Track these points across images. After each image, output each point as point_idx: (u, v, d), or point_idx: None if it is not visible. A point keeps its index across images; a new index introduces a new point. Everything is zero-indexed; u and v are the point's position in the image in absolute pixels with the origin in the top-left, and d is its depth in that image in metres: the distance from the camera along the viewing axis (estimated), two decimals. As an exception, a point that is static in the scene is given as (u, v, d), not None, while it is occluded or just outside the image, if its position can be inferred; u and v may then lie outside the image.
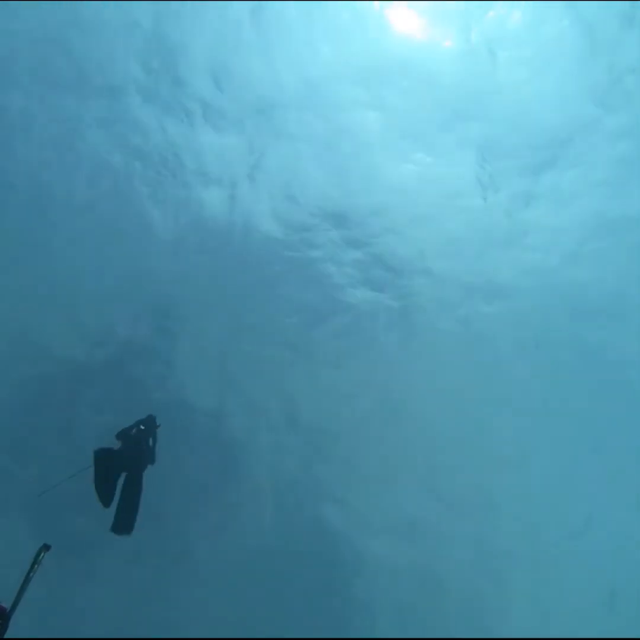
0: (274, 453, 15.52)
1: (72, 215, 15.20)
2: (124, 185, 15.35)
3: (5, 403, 14.36)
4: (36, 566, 4.85)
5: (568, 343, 15.50)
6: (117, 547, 13.83)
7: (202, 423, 15.25)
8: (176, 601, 14.51)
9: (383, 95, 14.83)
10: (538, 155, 14.68)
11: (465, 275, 15.61)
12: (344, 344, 15.82)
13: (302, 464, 15.49)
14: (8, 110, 14.68)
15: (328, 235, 15.62)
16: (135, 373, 15.13)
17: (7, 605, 4.43)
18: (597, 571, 15.24)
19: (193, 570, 14.73)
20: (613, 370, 15.35)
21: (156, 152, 15.26)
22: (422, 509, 15.43)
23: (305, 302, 15.81)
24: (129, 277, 15.41)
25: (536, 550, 15.49)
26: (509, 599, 15.33)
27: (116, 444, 8.72)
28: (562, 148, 14.48)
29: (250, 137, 15.22)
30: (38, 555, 4.86)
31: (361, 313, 15.85)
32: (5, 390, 14.40)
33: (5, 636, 4.32)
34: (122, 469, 8.51)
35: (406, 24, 13.97)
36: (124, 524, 8.50)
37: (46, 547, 4.92)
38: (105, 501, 8.41)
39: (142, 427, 8.92)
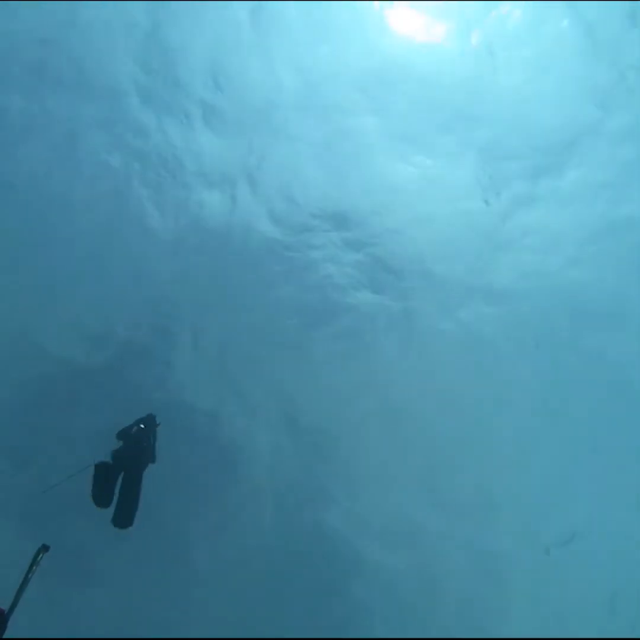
0: (273, 454, 15.48)
1: (71, 216, 15.18)
2: (123, 186, 15.34)
3: (2, 404, 14.34)
4: (35, 567, 4.84)
5: (568, 345, 15.48)
6: (115, 548, 13.89)
7: (201, 424, 15.21)
8: (175, 602, 14.48)
9: (383, 96, 14.83)
10: (539, 158, 14.67)
11: (465, 277, 15.59)
12: (343, 345, 15.80)
13: (302, 465, 15.45)
14: (7, 111, 14.67)
15: (328, 237, 15.62)
16: (134, 374, 15.10)
17: (5, 606, 4.43)
18: (598, 573, 15.21)
19: (192, 571, 14.70)
20: (613, 373, 15.33)
21: (155, 153, 15.26)
22: (422, 510, 15.39)
23: (305, 303, 15.78)
24: (128, 277, 15.40)
25: (536, 552, 15.46)
26: (508, 601, 15.30)
27: (116, 444, 8.71)
28: (564, 150, 14.47)
29: (249, 138, 15.22)
30: (36, 556, 4.86)
31: (361, 314, 15.83)
32: (2, 391, 14.37)
33: (4, 636, 4.31)
34: (122, 468, 8.50)
35: (406, 25, 13.99)
36: (124, 518, 8.49)
37: (45, 548, 4.91)
38: (105, 503, 8.42)
39: (142, 426, 8.92)
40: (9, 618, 4.43)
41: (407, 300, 15.74)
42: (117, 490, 8.51)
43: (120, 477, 8.57)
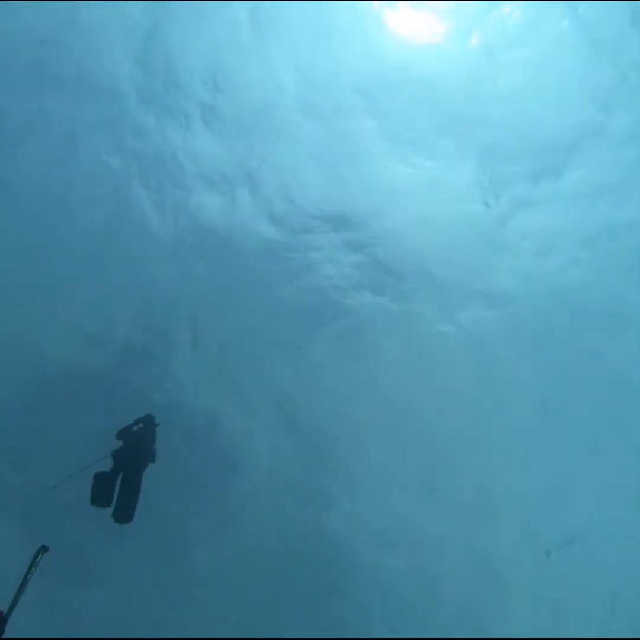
0: (272, 455, 15.46)
1: (70, 217, 15.17)
2: (122, 188, 15.34)
3: (2, 405, 14.32)
4: (34, 568, 4.84)
5: (569, 348, 15.46)
6: (115, 549, 13.90)
7: (201, 425, 15.21)
8: (174, 602, 14.46)
9: (383, 98, 14.83)
10: (539, 160, 14.66)
11: (465, 279, 15.58)
12: (343, 346, 15.78)
13: (301, 466, 15.44)
14: (6, 112, 14.67)
15: (328, 238, 15.61)
16: (133, 375, 15.09)
17: (4, 608, 4.42)
18: (599, 574, 15.19)
19: (191, 572, 14.68)
20: (613, 375, 15.31)
21: (155, 154, 15.26)
22: (422, 512, 15.37)
23: (304, 305, 15.77)
24: (127, 278, 15.38)
25: (536, 553, 15.44)
26: (508, 603, 15.28)
27: (116, 444, 8.73)
28: (564, 152, 14.46)
29: (249, 140, 15.22)
30: (36, 557, 4.85)
31: (361, 316, 15.81)
32: (1, 391, 14.36)
33: (4, 637, 4.31)
34: (122, 468, 8.52)
35: (406, 27, 13.99)
36: (124, 513, 8.51)
37: (44, 549, 4.90)
38: (104, 504, 8.43)
39: (142, 426, 8.95)
40: (8, 619, 4.42)
41: (406, 302, 15.73)
42: (116, 489, 8.53)
43: (120, 477, 8.59)
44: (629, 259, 14.92)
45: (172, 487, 13.61)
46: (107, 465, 8.53)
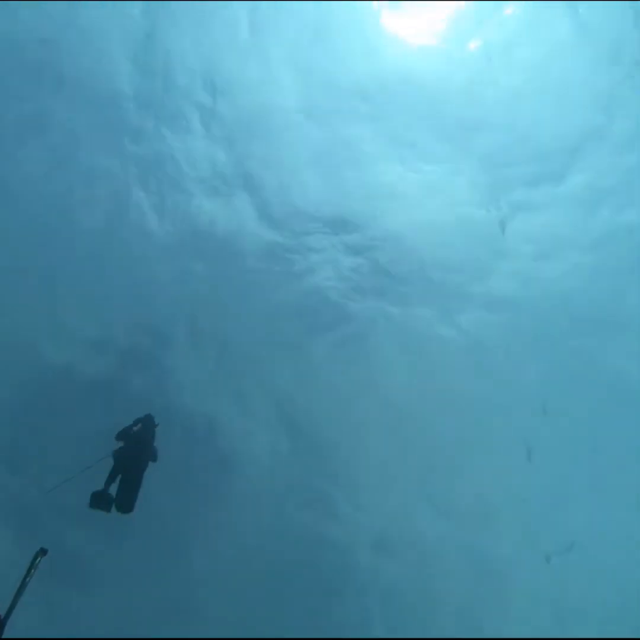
0: (271, 458, 15.45)
1: (69, 220, 15.14)
2: (121, 190, 15.32)
3: (1, 408, 14.28)
4: (33, 571, 4.79)
5: (569, 352, 15.47)
6: (113, 551, 13.86)
7: (200, 427, 15.18)
8: (172, 605, 14.42)
9: (382, 102, 14.82)
10: (541, 164, 14.67)
11: (465, 283, 15.59)
12: (343, 349, 15.78)
13: (300, 469, 15.42)
14: (5, 114, 14.65)
15: (328, 241, 15.60)
16: (132, 377, 15.07)
17: (2, 610, 4.38)
18: (598, 576, 15.20)
19: (189, 575, 14.66)
20: (614, 380, 15.30)
21: (154, 157, 15.25)
22: (422, 516, 15.37)
23: (304, 307, 15.77)
24: (127, 282, 15.36)
25: (535, 557, 15.43)
26: (508, 606, 15.26)
27: (116, 445, 8.72)
28: (566, 156, 14.46)
29: (248, 142, 15.21)
30: (35, 559, 4.80)
31: (361, 319, 15.81)
32: (1, 394, 14.32)
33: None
34: (122, 468, 8.50)
35: (406, 30, 13.96)
36: (125, 503, 8.51)
37: (43, 552, 4.84)
38: (104, 508, 8.42)
39: (141, 426, 8.94)
40: (6, 622, 4.38)
41: (406, 305, 15.72)
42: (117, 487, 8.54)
43: (120, 477, 8.58)
44: (630, 263, 14.92)
45: (171, 488, 13.59)
46: (107, 465, 8.51)
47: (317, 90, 14.72)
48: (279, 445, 15.44)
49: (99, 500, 8.30)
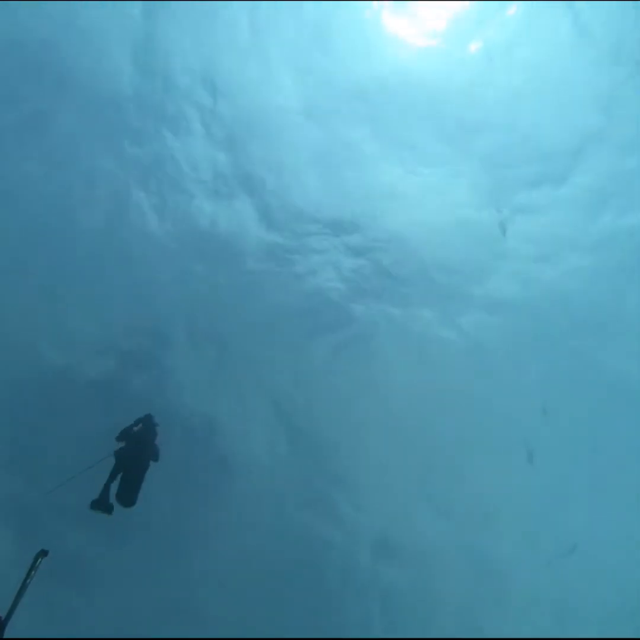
0: (271, 460, 15.44)
1: (69, 222, 15.13)
2: (121, 192, 15.31)
3: (1, 410, 14.27)
4: (33, 572, 4.80)
5: (570, 354, 15.47)
6: (113, 551, 13.85)
7: (199, 429, 15.17)
8: (170, 607, 14.40)
9: (383, 103, 14.83)
10: (541, 166, 14.68)
11: (466, 284, 15.60)
12: (343, 350, 15.77)
13: (300, 471, 15.41)
14: (4, 118, 14.67)
15: (329, 243, 15.59)
16: (132, 379, 15.06)
17: (3, 611, 4.39)
18: (597, 580, 15.19)
19: (189, 576, 14.64)
20: (615, 382, 15.30)
21: (154, 158, 15.25)
22: (422, 518, 15.36)
23: (304, 309, 15.76)
24: (127, 283, 15.35)
25: (536, 560, 15.42)
26: (508, 609, 15.25)
27: (117, 445, 8.73)
28: (567, 158, 14.47)
29: (249, 144, 15.23)
30: (35, 560, 4.81)
31: (361, 320, 15.80)
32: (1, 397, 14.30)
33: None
34: (123, 467, 8.52)
35: (406, 33, 13.97)
36: (127, 497, 8.53)
37: (44, 553, 4.85)
38: (104, 510, 8.44)
39: (142, 426, 8.96)
40: (7, 623, 4.39)
41: (407, 306, 15.72)
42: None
43: (120, 476, 8.61)
44: (631, 265, 14.92)
45: (171, 489, 13.57)
46: (108, 467, 8.52)
47: (318, 91, 14.73)
48: (278, 446, 15.42)
49: (100, 503, 8.31)
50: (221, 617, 14.33)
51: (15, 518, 13.66)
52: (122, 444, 8.74)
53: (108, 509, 8.41)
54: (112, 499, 8.43)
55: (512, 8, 13.39)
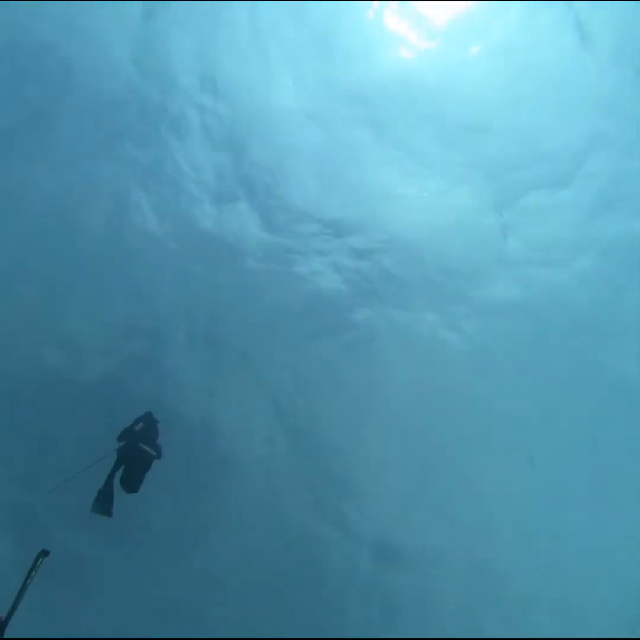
0: (271, 463, 15.39)
1: (69, 225, 15.11)
2: (121, 194, 15.31)
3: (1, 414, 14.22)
4: (34, 572, 4.77)
5: (572, 358, 15.48)
6: (111, 552, 13.80)
7: (197, 432, 15.13)
8: (168, 609, 14.34)
9: (385, 106, 14.89)
10: (545, 169, 14.70)
11: (469, 287, 15.62)
12: (345, 352, 15.76)
13: (300, 474, 15.37)
14: (3, 120, 14.67)
15: (330, 245, 15.60)
16: (131, 380, 15.01)
17: (4, 611, 4.37)
18: (596, 584, 15.17)
19: (186, 578, 14.56)
20: (616, 386, 15.32)
21: (154, 160, 15.27)
22: (421, 521, 15.33)
23: (305, 310, 15.75)
24: (127, 284, 15.34)
25: (534, 564, 15.40)
26: (506, 613, 15.21)
27: (118, 445, 8.75)
28: (570, 162, 14.49)
29: (249, 146, 15.25)
30: (36, 561, 4.78)
31: (363, 323, 15.79)
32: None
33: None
34: (126, 462, 8.54)
35: (408, 35, 14.01)
36: (131, 485, 8.55)
37: (45, 553, 4.83)
38: (104, 512, 8.45)
39: (143, 425, 8.97)
40: (7, 624, 4.37)
41: (409, 309, 15.72)
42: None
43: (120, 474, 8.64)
44: (634, 269, 14.95)
45: (170, 490, 13.57)
46: (107, 467, 8.53)
47: (319, 92, 14.77)
48: (279, 447, 15.39)
49: (100, 505, 8.30)
50: (221, 617, 14.27)
51: (14, 520, 13.61)
52: (124, 443, 8.75)
53: (108, 512, 8.40)
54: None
55: (514, 10, 13.44)
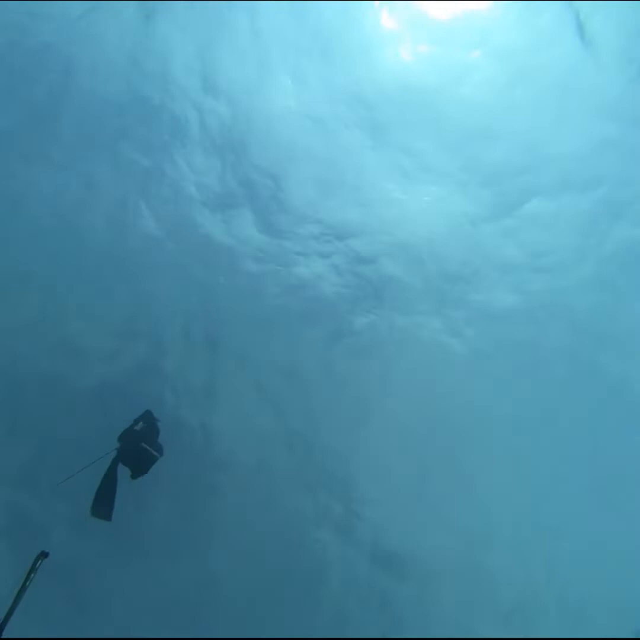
0: (270, 467, 15.36)
1: (67, 226, 15.09)
2: (119, 197, 15.31)
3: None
4: (33, 574, 4.73)
5: (572, 366, 15.47)
6: (107, 562, 13.73)
7: (195, 436, 15.09)
8: (164, 610, 14.27)
9: (383, 111, 14.92)
10: (548, 175, 14.72)
11: (470, 294, 15.63)
12: (343, 357, 15.74)
13: (298, 478, 15.33)
14: (3, 126, 14.67)
15: (331, 248, 15.61)
16: (128, 386, 14.97)
17: (2, 612, 4.32)
18: (594, 589, 15.14)
19: (178, 586, 14.51)
20: (618, 394, 15.31)
21: (153, 163, 15.28)
22: (419, 529, 15.29)
23: (304, 315, 15.73)
24: (125, 286, 15.32)
25: (532, 569, 15.37)
26: (506, 624, 15.17)
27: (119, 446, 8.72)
28: (574, 168, 14.51)
29: (249, 148, 15.27)
30: (35, 562, 4.74)
31: (363, 327, 15.78)
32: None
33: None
34: (127, 461, 8.51)
35: (409, 37, 14.05)
36: (137, 473, 8.53)
37: (44, 554, 4.79)
38: (104, 516, 8.41)
39: (143, 424, 8.96)
40: (6, 624, 4.32)
41: (410, 316, 15.72)
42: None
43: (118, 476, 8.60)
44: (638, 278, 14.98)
45: (167, 495, 13.54)
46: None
47: (319, 95, 14.80)
48: (278, 452, 15.35)
49: (100, 509, 8.26)
50: (219, 620, 14.21)
51: (12, 522, 13.55)
52: (124, 444, 8.72)
53: (108, 516, 8.35)
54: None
55: (515, 12, 13.48)
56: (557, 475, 15.44)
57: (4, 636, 4.24)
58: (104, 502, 8.16)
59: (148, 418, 9.03)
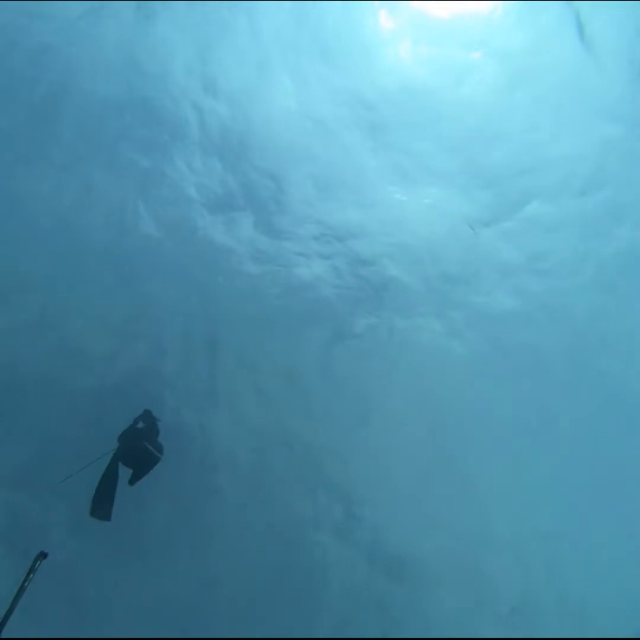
0: (268, 470, 15.33)
1: (66, 228, 15.07)
2: (118, 198, 15.29)
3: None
4: (32, 575, 4.71)
5: (572, 369, 15.46)
6: (104, 564, 13.70)
7: (194, 438, 15.06)
8: (162, 612, 14.24)
9: (384, 113, 14.91)
10: (550, 178, 14.71)
11: (470, 297, 15.61)
12: (343, 360, 15.73)
13: (297, 480, 15.31)
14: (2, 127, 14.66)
15: (331, 250, 15.59)
16: (128, 389, 14.94)
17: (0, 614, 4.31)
18: (594, 594, 15.12)
19: (182, 584, 14.48)
20: (616, 397, 15.30)
21: (152, 165, 15.26)
22: (420, 532, 15.27)
23: (304, 318, 15.71)
24: (124, 288, 15.30)
25: (531, 573, 15.35)
26: (505, 626, 15.15)
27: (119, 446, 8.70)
28: (575, 171, 14.51)
29: (249, 151, 15.26)
30: (34, 563, 4.72)
31: (363, 331, 15.76)
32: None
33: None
34: (127, 463, 8.49)
35: (410, 39, 14.05)
36: (135, 479, 8.52)
37: (43, 555, 4.77)
38: (104, 517, 8.38)
39: (142, 424, 8.94)
40: (4, 626, 4.30)
41: (411, 319, 15.71)
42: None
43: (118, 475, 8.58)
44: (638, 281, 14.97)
45: (167, 495, 13.52)
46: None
47: (319, 96, 14.79)
48: (277, 454, 15.33)
49: (100, 509, 8.24)
50: (219, 622, 14.18)
51: (12, 523, 13.53)
52: (124, 443, 8.70)
53: (107, 516, 8.33)
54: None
55: (515, 13, 13.48)
56: (557, 476, 15.43)
57: (3, 636, 4.23)
58: (103, 503, 8.14)
59: (148, 417, 9.03)
